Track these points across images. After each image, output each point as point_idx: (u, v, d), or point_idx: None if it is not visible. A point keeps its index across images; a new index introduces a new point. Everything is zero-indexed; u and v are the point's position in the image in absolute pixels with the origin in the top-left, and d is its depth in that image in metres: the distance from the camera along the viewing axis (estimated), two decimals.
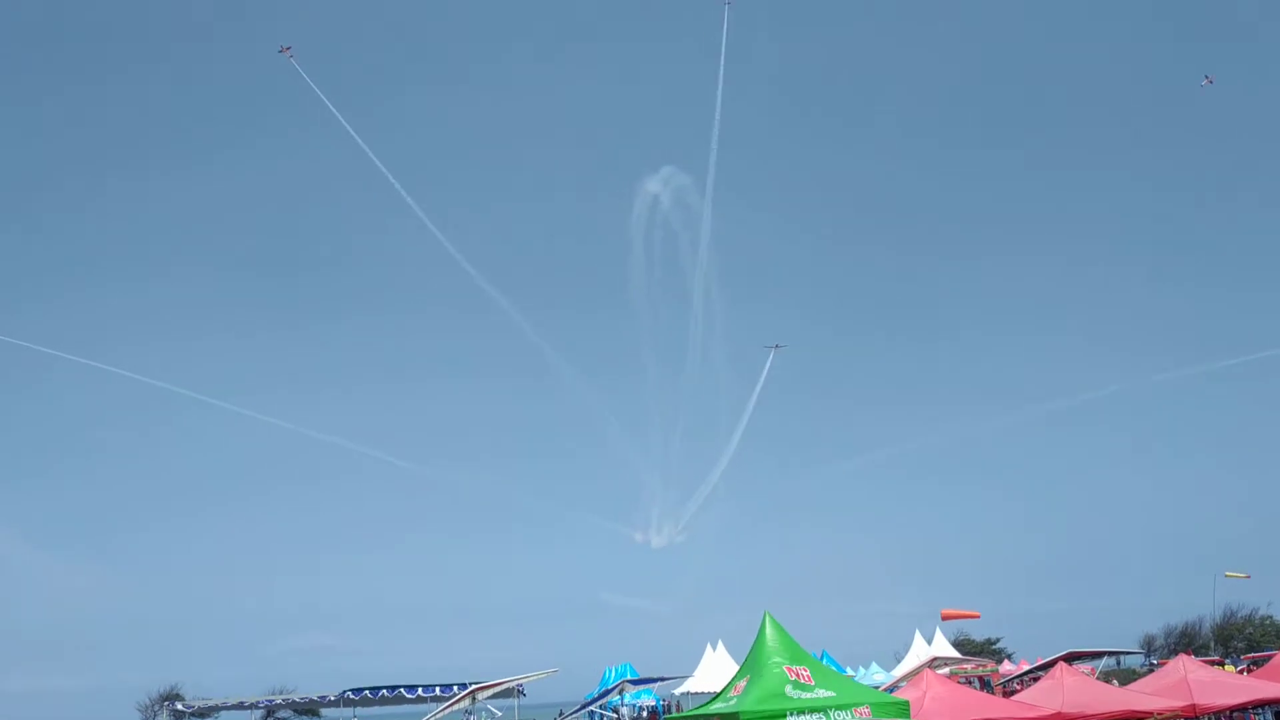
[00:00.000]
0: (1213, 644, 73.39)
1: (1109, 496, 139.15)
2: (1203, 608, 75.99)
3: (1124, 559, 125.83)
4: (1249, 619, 75.91)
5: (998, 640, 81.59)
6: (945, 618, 64.85)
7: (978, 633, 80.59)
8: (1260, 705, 28.39)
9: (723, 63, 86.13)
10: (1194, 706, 25.14)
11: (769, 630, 19.16)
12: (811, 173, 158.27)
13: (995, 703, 26.56)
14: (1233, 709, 26.94)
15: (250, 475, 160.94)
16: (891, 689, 36.72)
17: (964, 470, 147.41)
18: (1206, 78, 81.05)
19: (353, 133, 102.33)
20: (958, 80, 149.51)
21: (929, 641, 63.15)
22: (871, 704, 18.08)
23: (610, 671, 55.89)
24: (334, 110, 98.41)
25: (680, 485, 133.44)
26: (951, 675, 56.68)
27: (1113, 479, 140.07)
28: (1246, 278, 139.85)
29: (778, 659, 18.59)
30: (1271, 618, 75.23)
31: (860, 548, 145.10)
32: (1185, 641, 74.42)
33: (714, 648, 60.99)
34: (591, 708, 52.59)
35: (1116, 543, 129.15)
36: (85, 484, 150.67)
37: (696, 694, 57.76)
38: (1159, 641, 78.59)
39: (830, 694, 18.16)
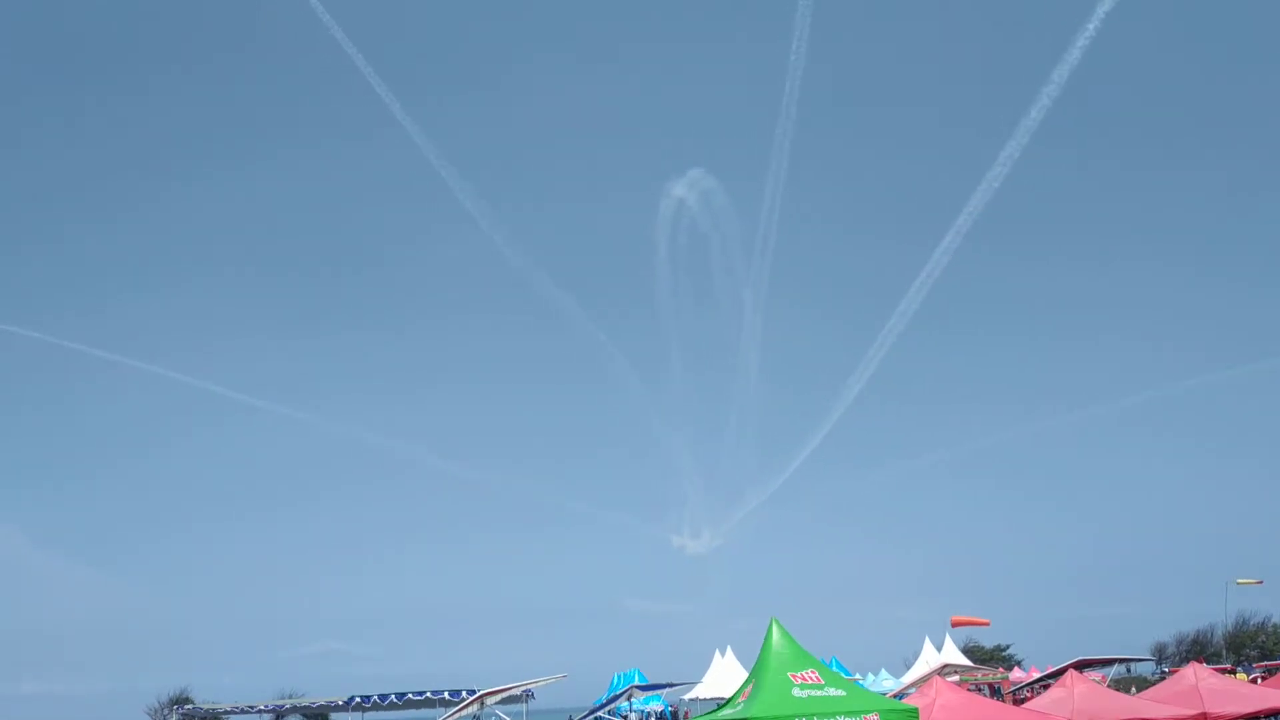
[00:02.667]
0: (1224, 652, 72.96)
1: (1121, 504, 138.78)
2: (1214, 615, 75.67)
3: (1135, 566, 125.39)
4: (1261, 626, 75.47)
5: (1008, 647, 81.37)
6: (955, 625, 64.70)
7: (988, 640, 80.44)
8: (1273, 714, 28.18)
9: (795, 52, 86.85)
10: (1205, 715, 24.97)
11: (776, 636, 19.10)
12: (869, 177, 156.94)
13: (1005, 710, 26.42)
14: (1245, 717, 26.74)
15: (264, 481, 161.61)
16: (900, 696, 36.59)
17: (977, 477, 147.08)
18: None
19: (412, 133, 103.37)
20: (992, 76, 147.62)
21: (939, 649, 63.00)
22: (880, 710, 18.00)
23: (618, 677, 55.83)
24: (396, 110, 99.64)
25: (725, 491, 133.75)
26: (961, 682, 56.51)
27: (1126, 486, 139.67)
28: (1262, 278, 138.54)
29: (785, 665, 18.53)
30: None
31: (873, 554, 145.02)
32: (1197, 649, 74.07)
33: (722, 654, 60.92)
34: (600, 714, 52.50)
35: (1128, 550, 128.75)
36: (100, 488, 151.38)
37: (705, 700, 57.71)
38: (1170, 649, 78.24)
39: (840, 693, 18.12)
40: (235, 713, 56.97)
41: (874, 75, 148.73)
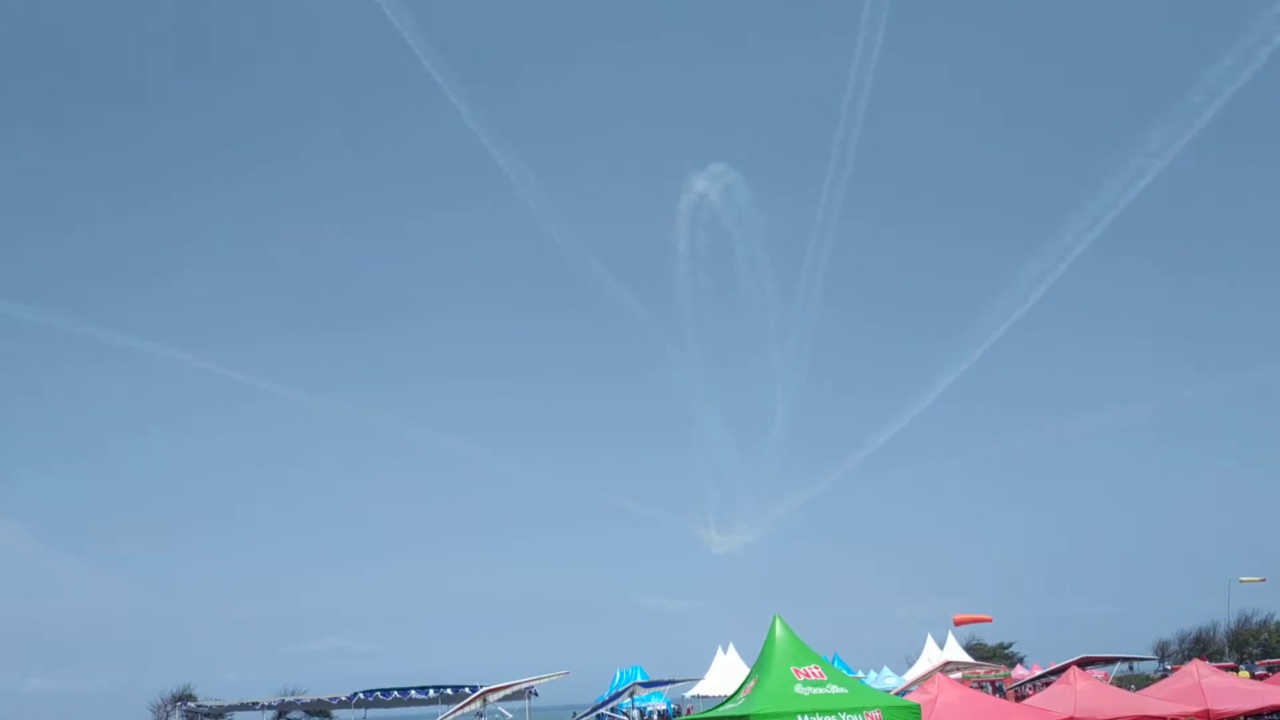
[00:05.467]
0: (1227, 650, 72.92)
1: (1126, 503, 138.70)
2: (1217, 613, 75.63)
3: (1139, 564, 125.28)
4: (1264, 624, 75.43)
5: (1010, 645, 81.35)
6: (958, 623, 64.74)
7: (990, 637, 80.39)
8: (1275, 711, 28.19)
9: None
10: (1208, 712, 24.99)
11: (779, 632, 19.13)
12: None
13: (1007, 707, 26.45)
14: (1247, 714, 26.74)
15: (269, 473, 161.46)
16: (903, 693, 36.59)
17: (982, 475, 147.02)
18: None
19: (464, 112, 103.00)
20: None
21: (941, 646, 62.97)
22: (882, 707, 18.02)
23: (621, 674, 55.88)
24: (448, 92, 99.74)
25: (764, 488, 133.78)
26: (963, 679, 56.52)
27: (1131, 486, 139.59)
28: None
29: (787, 661, 18.56)
30: None
31: (879, 553, 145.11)
32: (1199, 647, 74.03)
33: (724, 651, 60.94)
34: (601, 711, 52.56)
35: (1131, 547, 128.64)
36: (104, 482, 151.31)
37: (707, 697, 57.72)
38: (1173, 647, 78.18)
39: (842, 690, 18.15)
40: (238, 709, 57.05)
41: (926, 83, 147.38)
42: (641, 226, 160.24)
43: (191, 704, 57.91)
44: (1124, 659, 60.05)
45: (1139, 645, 74.04)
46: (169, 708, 62.18)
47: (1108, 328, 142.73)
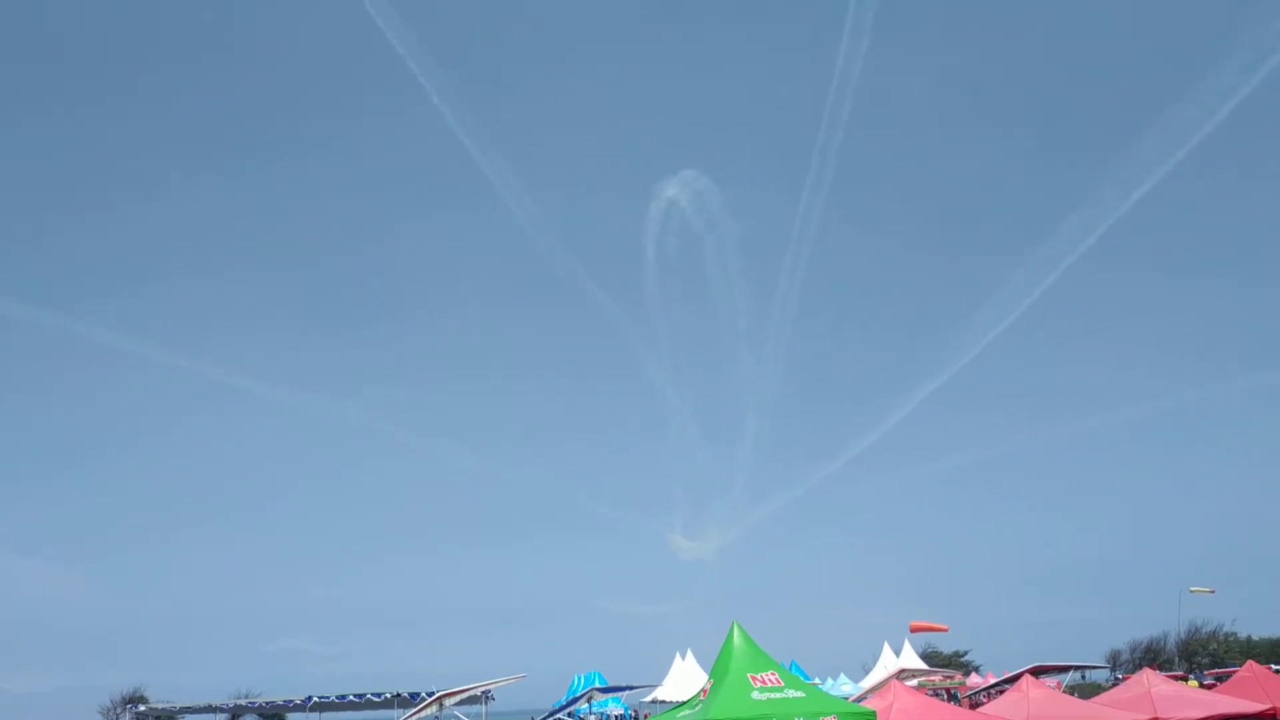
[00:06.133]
0: (1177, 659, 74.07)
1: (1079, 513, 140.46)
2: (1168, 623, 76.82)
3: (1095, 574, 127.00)
4: (1213, 635, 76.68)
5: (966, 653, 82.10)
6: (914, 630, 65.14)
7: (946, 645, 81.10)
8: (1224, 719, 28.64)
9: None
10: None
11: (736, 638, 19.21)
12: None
13: (961, 715, 26.68)
14: None
15: (226, 477, 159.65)
16: (859, 700, 36.84)
17: (949, 485, 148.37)
18: None
19: (447, 115, 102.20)
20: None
21: (897, 653, 63.43)
22: (838, 713, 18.14)
23: (579, 679, 55.78)
24: (431, 93, 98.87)
25: (735, 495, 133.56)
26: (919, 687, 56.98)
27: (1086, 496, 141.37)
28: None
29: (744, 666, 18.64)
30: (1235, 634, 76.04)
31: (839, 560, 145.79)
32: (1150, 657, 75.10)
33: (683, 657, 61.01)
34: (559, 715, 52.44)
35: (1087, 558, 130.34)
36: (62, 484, 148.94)
37: (665, 702, 57.76)
38: (1124, 656, 79.31)
39: (798, 696, 18.25)
40: (190, 712, 56.32)
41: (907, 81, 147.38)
42: (618, 231, 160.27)
43: (142, 706, 57.11)
44: (1076, 667, 60.77)
45: (1092, 654, 75.10)
46: (119, 710, 61.30)
47: (1089, 340, 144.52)
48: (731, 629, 19.30)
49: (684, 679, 57.24)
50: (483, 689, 46.27)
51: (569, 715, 53.69)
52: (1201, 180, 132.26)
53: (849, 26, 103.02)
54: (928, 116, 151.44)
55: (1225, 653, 73.41)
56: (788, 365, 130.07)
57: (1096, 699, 30.08)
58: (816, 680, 59.99)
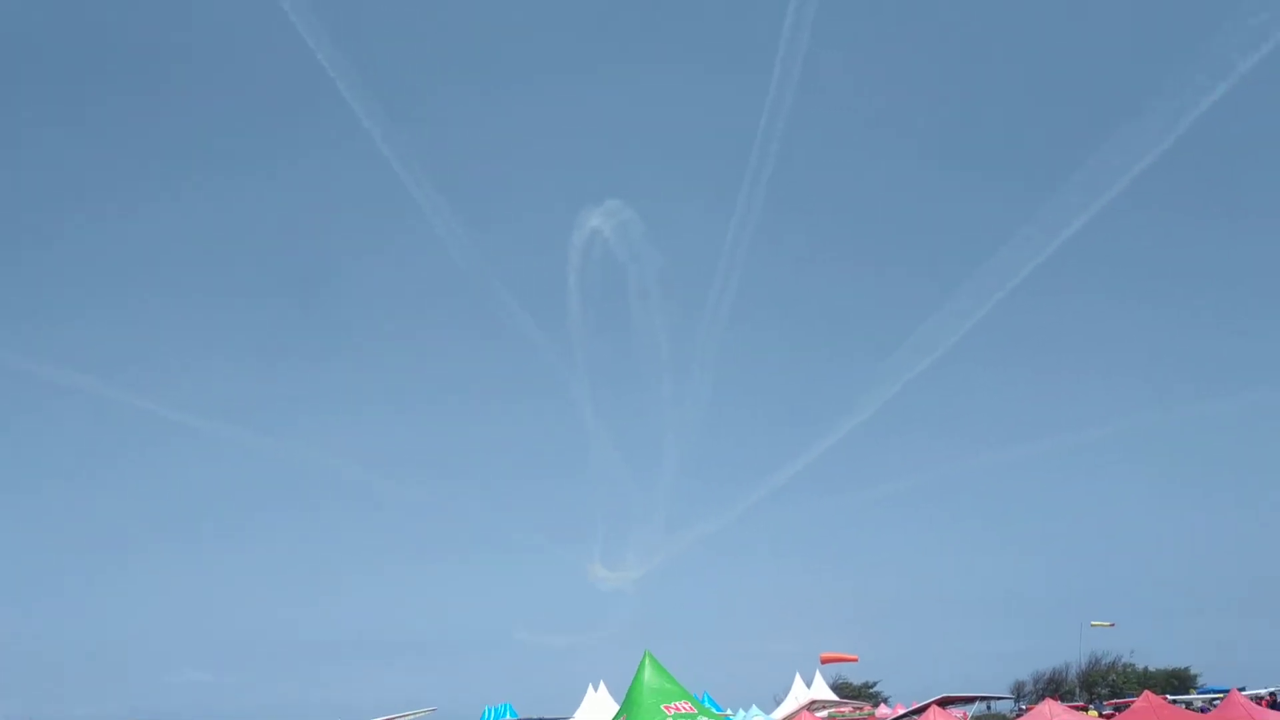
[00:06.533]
0: (1078, 690, 75.85)
1: (994, 543, 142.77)
2: (1070, 655, 78.65)
3: (1002, 605, 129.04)
4: (1113, 666, 78.70)
5: (875, 684, 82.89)
6: (824, 661, 65.71)
7: (856, 676, 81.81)
8: None
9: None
10: None
11: (648, 669, 19.17)
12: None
13: None
14: None
15: (128, 502, 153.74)
16: None
17: (860, 513, 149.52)
18: None
19: (379, 142, 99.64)
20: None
21: (808, 684, 63.83)
22: None
23: (490, 711, 55.05)
24: (361, 116, 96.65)
25: (655, 523, 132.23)
26: (828, 718, 57.48)
27: (996, 526, 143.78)
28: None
29: (657, 697, 18.60)
30: (1133, 665, 78.15)
31: (760, 588, 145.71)
32: (1052, 687, 76.72)
33: (595, 688, 60.61)
34: None
35: (998, 588, 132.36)
36: None
37: None
38: (1028, 687, 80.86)
39: None
40: None
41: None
42: (542, 259, 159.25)
43: None
44: (982, 698, 61.80)
45: (997, 685, 76.38)
46: None
47: (1018, 368, 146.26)
48: (643, 659, 19.25)
49: (597, 710, 56.84)
50: None
51: None
52: (1148, 206, 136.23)
53: (781, 55, 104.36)
54: (862, 143, 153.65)
55: (1124, 683, 75.29)
56: (712, 394, 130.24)
57: None
58: (729, 711, 60.08)
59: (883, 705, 72.05)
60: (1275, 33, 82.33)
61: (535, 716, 55.30)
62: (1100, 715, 50.18)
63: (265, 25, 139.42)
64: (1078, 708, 49.15)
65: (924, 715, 28.87)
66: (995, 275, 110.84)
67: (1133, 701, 38.89)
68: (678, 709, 18.47)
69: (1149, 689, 44.97)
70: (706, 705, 19.63)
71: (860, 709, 62.47)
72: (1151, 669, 77.33)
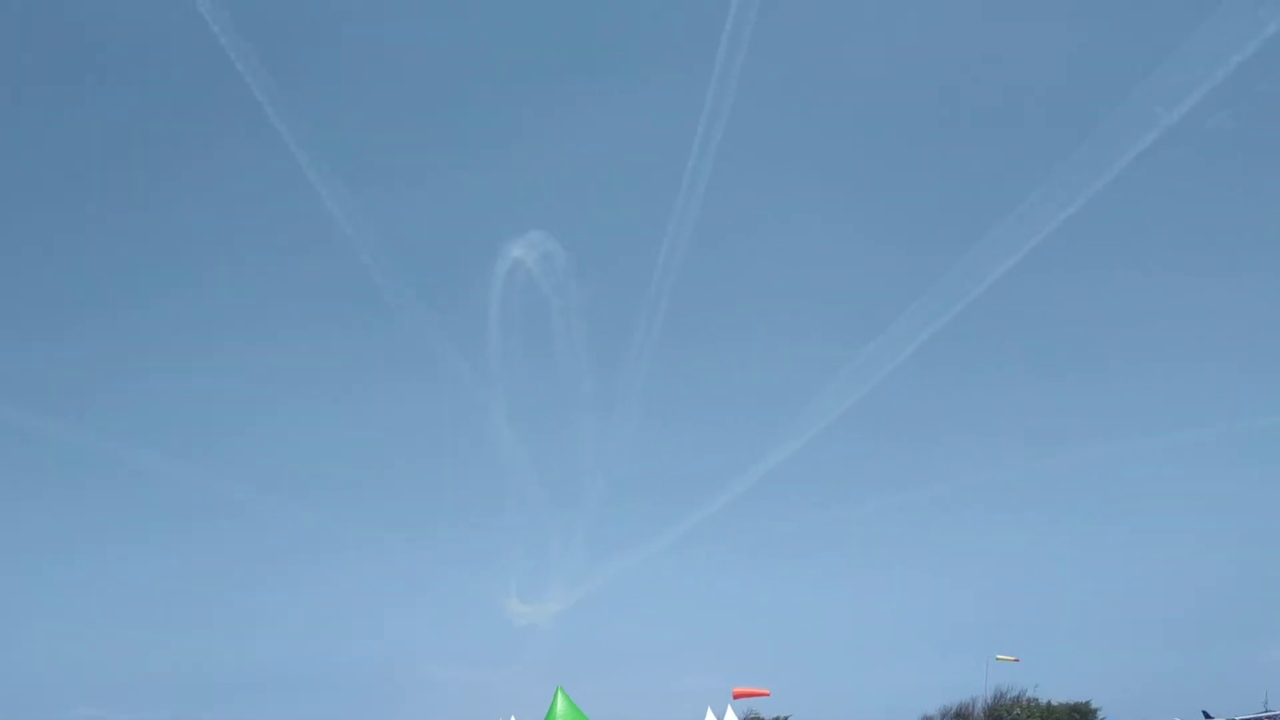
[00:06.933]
0: None
1: (905, 579, 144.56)
2: (976, 689, 79.86)
3: (910, 639, 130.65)
4: (1017, 700, 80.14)
5: (787, 718, 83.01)
6: (736, 696, 65.60)
7: (768, 710, 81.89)
8: None
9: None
10: None
11: (561, 704, 19.00)
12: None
13: None
14: None
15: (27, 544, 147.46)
16: None
17: (763, 544, 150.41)
18: None
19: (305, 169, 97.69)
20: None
21: (720, 719, 63.67)
22: None
23: None
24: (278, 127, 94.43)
25: (570, 558, 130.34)
26: None
27: (907, 559, 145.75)
28: None
29: None
30: (1037, 699, 79.68)
31: (675, 623, 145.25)
32: None
33: None
34: None
35: (907, 623, 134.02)
36: None
37: None
38: None
39: None
40: None
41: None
42: (464, 289, 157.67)
43: None
44: None
45: (907, 718, 77.13)
46: None
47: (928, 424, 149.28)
48: (555, 695, 19.08)
49: None
50: None
51: None
52: (1047, 273, 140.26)
53: (712, 93, 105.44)
54: (787, 187, 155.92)
55: (1028, 717, 76.61)
56: (638, 429, 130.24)
57: None
58: None
59: None
60: None
61: None
62: None
63: None
64: None
65: None
66: (894, 342, 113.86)
67: None
68: None
69: None
70: None
71: None
72: (1054, 703, 78.95)
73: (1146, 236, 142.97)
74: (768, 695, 69.36)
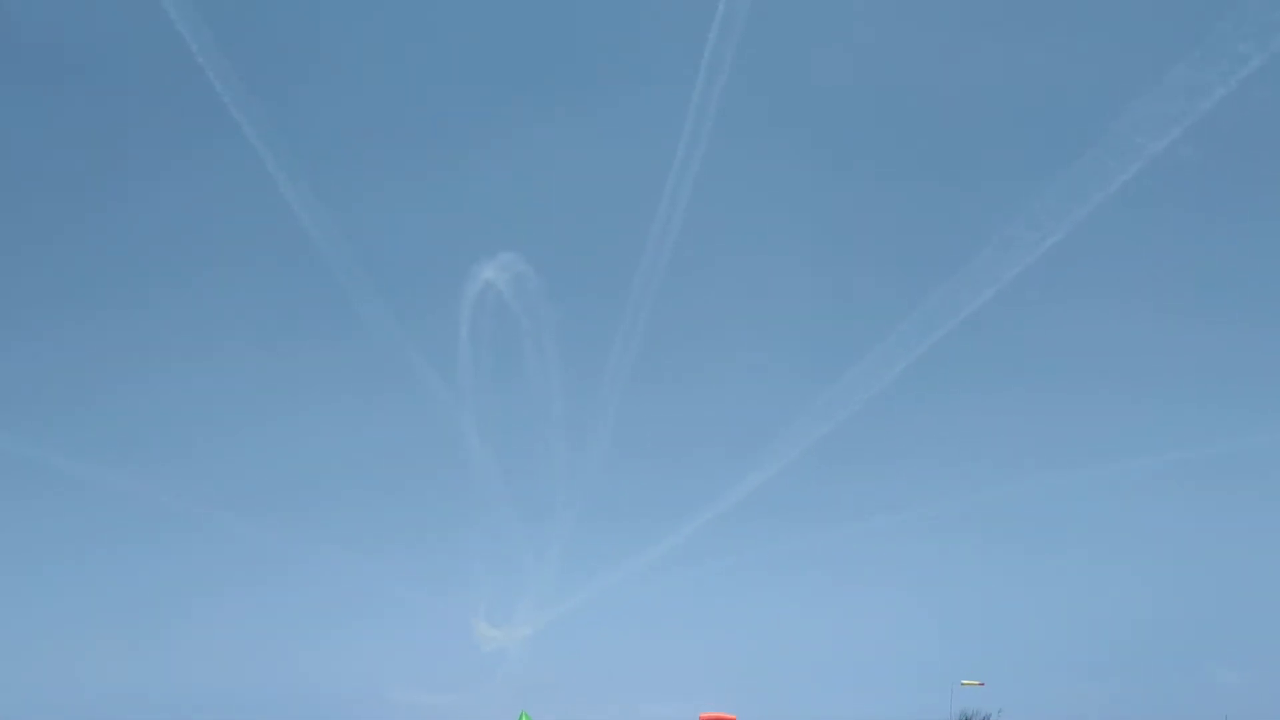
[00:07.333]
0: None
1: (863, 604, 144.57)
2: (941, 714, 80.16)
3: (874, 665, 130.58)
4: None
5: None
6: None
7: None
8: None
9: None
10: None
11: None
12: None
13: None
14: None
15: None
16: None
17: (735, 569, 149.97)
18: None
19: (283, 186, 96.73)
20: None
21: None
22: None
23: None
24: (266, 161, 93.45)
25: (539, 582, 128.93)
26: None
27: (874, 586, 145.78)
28: None
29: None
30: None
31: (645, 648, 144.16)
32: None
33: None
34: None
35: (868, 649, 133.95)
36: None
37: None
38: None
39: None
40: None
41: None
42: (436, 308, 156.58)
43: None
44: None
45: None
46: None
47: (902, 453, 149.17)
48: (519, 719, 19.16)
49: None
50: None
51: None
52: (1022, 306, 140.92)
53: (691, 116, 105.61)
54: (766, 213, 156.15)
55: None
56: (608, 454, 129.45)
57: None
58: None
59: None
60: None
61: None
62: None
63: None
64: None
65: None
66: (871, 371, 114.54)
67: None
68: None
69: None
70: None
71: None
72: None
73: (1120, 270, 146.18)
74: None
